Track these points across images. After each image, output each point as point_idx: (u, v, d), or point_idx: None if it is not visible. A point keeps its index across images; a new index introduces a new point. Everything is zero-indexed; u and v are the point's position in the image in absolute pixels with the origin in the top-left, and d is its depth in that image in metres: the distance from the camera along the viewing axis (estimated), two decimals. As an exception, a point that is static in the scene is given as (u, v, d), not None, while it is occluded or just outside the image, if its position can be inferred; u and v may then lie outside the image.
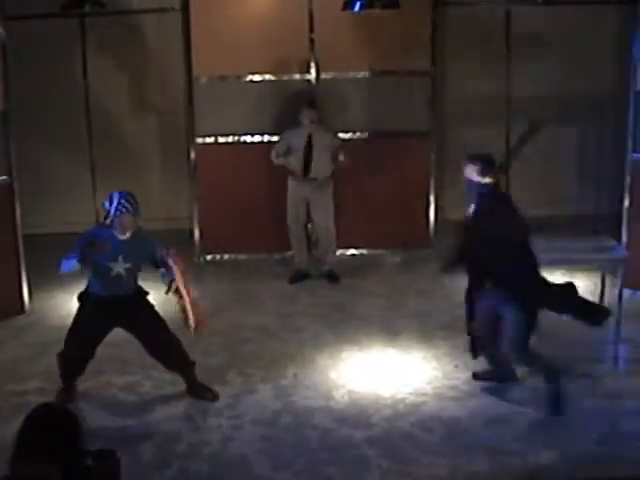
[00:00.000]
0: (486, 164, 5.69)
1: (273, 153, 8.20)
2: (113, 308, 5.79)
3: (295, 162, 8.07)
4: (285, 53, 8.65)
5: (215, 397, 6.01)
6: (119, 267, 5.70)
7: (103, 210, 5.71)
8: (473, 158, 5.73)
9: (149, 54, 9.55)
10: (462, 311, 7.42)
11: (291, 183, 8.21)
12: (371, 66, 8.72)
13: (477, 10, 9.49)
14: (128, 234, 5.69)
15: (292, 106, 8.34)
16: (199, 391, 6.04)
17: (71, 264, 5.65)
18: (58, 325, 7.37)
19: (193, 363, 6.05)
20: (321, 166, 8.05)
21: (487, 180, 5.66)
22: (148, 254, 5.80)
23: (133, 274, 5.84)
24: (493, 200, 5.69)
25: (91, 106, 9.60)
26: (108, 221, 5.66)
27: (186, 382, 6.07)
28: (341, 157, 8.00)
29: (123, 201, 5.59)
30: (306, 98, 8.47)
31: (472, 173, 5.68)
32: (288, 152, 8.09)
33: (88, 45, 9.46)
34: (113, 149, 9.68)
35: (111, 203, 5.61)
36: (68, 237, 9.47)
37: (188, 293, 5.77)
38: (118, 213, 5.59)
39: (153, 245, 5.84)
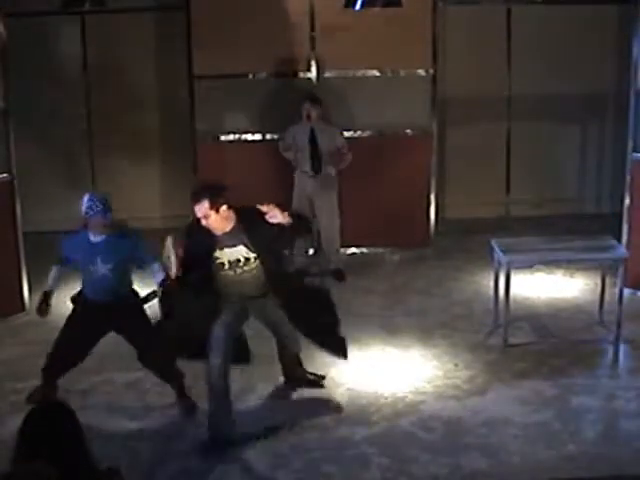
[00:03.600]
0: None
1: (280, 146, 8.34)
2: (104, 312, 5.69)
3: (303, 159, 8.09)
4: (286, 51, 8.64)
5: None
6: (101, 269, 5.64)
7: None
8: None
9: (150, 52, 9.54)
10: (462, 310, 7.48)
11: (298, 179, 8.21)
12: (372, 65, 8.72)
13: (477, 10, 9.50)
14: (103, 236, 5.62)
15: (293, 105, 8.33)
16: (180, 405, 5.87)
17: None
18: (58, 324, 7.36)
19: (181, 375, 5.88)
20: (327, 161, 8.12)
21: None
22: (128, 255, 5.69)
23: (120, 275, 5.71)
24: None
25: (91, 104, 9.59)
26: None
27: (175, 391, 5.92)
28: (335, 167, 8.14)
29: (90, 203, 5.53)
30: (307, 93, 8.46)
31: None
32: (292, 146, 8.14)
33: (88, 43, 9.45)
34: (113, 147, 9.67)
35: (82, 206, 5.56)
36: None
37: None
38: (86, 215, 5.56)
39: (134, 246, 5.69)
